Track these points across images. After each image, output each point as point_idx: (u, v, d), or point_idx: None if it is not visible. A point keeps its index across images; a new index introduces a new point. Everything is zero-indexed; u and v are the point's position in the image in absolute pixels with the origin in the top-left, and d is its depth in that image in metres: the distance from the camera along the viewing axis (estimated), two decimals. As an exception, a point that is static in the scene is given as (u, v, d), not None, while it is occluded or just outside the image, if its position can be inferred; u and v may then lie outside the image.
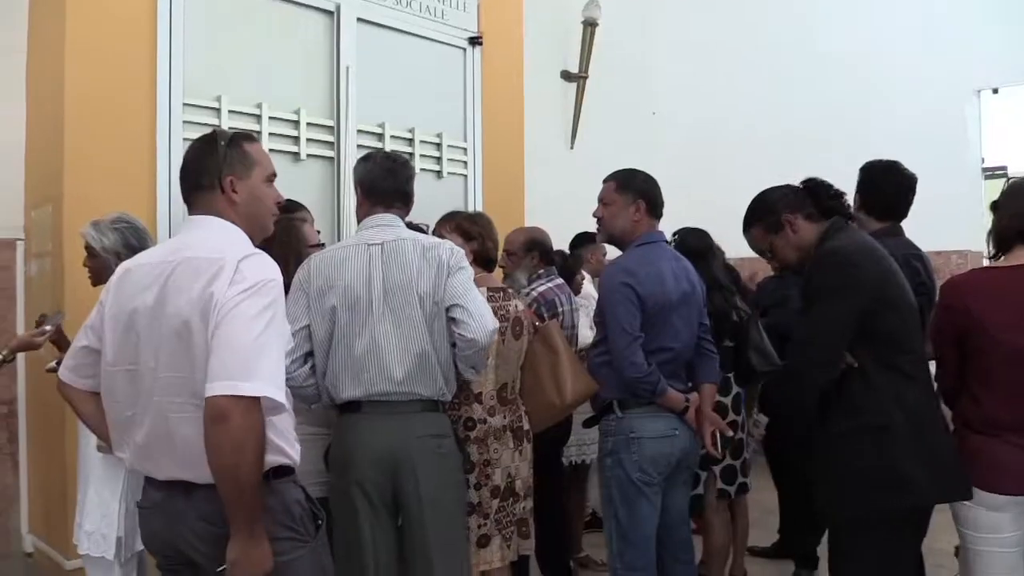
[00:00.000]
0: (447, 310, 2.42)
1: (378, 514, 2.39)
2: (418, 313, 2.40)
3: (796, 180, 2.52)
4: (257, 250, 1.82)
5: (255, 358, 1.63)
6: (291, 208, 2.91)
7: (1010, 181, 2.51)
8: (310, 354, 2.43)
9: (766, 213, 2.47)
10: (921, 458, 2.17)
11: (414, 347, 2.39)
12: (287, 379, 2.01)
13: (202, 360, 1.68)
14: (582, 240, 4.85)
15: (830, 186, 2.47)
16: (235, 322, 1.64)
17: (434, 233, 2.98)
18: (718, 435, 2.88)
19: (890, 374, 2.23)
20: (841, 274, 2.25)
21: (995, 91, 6.29)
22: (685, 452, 2.80)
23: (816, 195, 2.44)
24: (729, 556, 3.70)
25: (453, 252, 2.48)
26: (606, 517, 2.85)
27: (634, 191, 2.84)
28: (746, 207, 2.57)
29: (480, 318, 2.41)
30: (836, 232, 2.37)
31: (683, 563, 2.90)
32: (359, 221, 2.61)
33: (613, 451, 2.77)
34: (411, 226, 3.21)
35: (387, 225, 2.52)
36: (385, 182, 2.55)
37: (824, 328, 2.25)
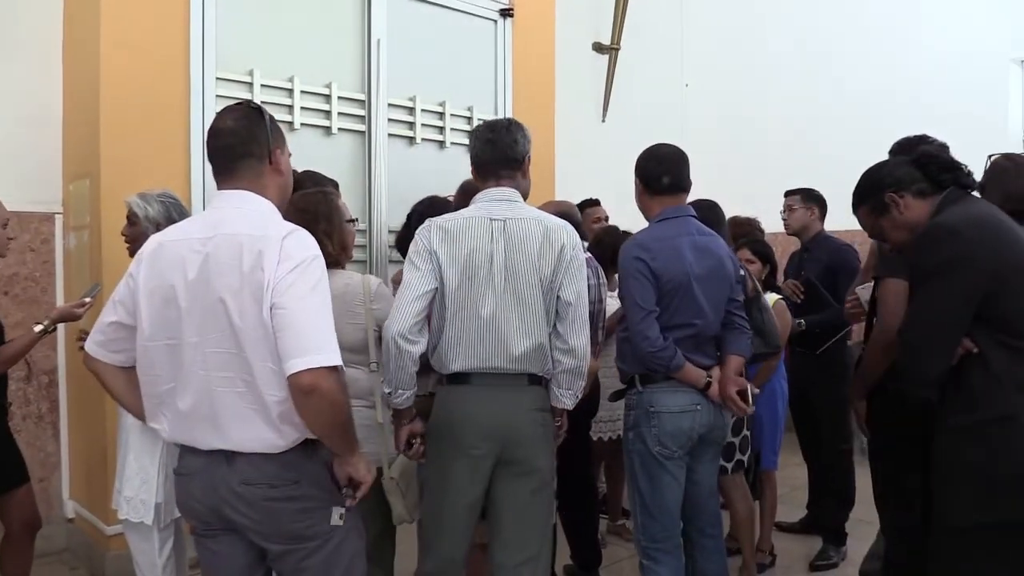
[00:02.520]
0: (558, 299, 2.40)
1: (476, 482, 2.40)
2: (539, 294, 2.38)
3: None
4: (296, 226, 1.84)
5: (321, 332, 1.73)
6: (322, 182, 2.92)
7: (992, 159, 2.44)
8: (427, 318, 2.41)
9: (870, 193, 2.25)
10: None
11: (535, 328, 2.38)
12: (417, 343, 2.27)
13: (252, 337, 1.73)
14: (585, 204, 4.86)
15: (943, 158, 2.20)
16: (294, 301, 1.71)
17: None
18: (747, 393, 2.78)
19: (1019, 359, 1.96)
20: (943, 250, 1.98)
21: (1038, 61, 6.12)
22: (708, 427, 2.75)
23: (926, 168, 2.18)
24: (757, 529, 3.69)
25: (576, 242, 2.45)
26: (630, 490, 2.85)
27: (636, 170, 2.81)
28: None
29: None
30: (949, 205, 2.10)
31: (710, 536, 2.89)
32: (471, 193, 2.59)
33: (634, 425, 2.77)
34: (436, 200, 3.19)
35: (506, 200, 2.45)
36: (485, 154, 2.51)
37: (929, 314, 2.00)
